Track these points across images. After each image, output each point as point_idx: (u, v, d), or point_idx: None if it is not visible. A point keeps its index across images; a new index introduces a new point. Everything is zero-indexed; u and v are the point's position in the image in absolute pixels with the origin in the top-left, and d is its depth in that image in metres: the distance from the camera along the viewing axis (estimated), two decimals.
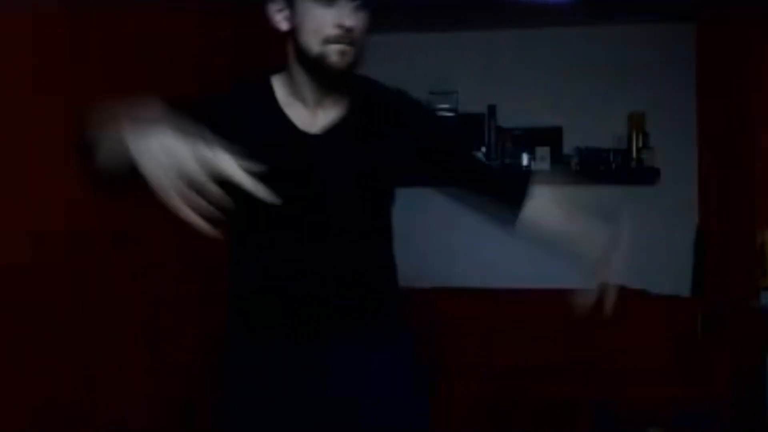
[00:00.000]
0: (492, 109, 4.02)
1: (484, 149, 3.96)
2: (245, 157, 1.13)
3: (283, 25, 1.44)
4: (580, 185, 4.06)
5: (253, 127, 1.46)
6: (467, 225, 4.06)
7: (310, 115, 1.48)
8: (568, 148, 4.00)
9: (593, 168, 3.93)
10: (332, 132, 1.48)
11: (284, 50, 1.51)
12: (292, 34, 1.43)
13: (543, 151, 3.96)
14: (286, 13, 1.43)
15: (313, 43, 1.39)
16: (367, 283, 1.53)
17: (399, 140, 1.52)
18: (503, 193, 1.61)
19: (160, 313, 2.97)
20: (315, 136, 1.48)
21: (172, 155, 1.07)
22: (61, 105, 2.19)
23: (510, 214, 1.60)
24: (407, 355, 1.58)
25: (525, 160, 3.98)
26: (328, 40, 1.38)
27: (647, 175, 3.92)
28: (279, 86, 1.50)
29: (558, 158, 3.97)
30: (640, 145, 3.91)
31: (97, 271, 2.44)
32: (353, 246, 1.51)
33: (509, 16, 3.93)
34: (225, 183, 1.10)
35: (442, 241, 4.03)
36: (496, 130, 4.01)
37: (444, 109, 3.99)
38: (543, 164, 3.95)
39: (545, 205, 1.58)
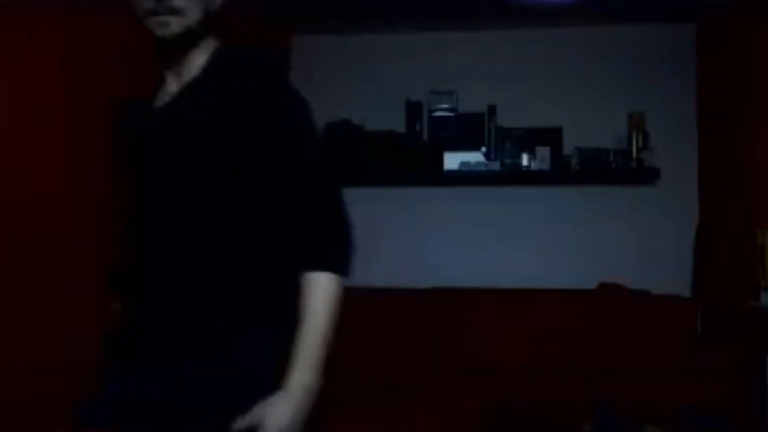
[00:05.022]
0: (492, 109, 4.02)
1: (484, 149, 3.96)
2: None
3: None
4: (580, 185, 4.10)
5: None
6: (468, 225, 4.08)
7: (168, 90, 1.45)
8: (568, 148, 4.00)
9: (593, 168, 3.93)
10: (171, 103, 1.43)
11: None
12: None
13: (543, 151, 3.95)
14: None
15: (142, 19, 1.36)
16: (198, 273, 1.38)
17: (218, 106, 1.36)
18: (299, 237, 1.38)
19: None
20: (156, 109, 1.46)
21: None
22: None
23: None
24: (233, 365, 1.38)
25: (525, 160, 3.97)
26: (147, 13, 1.34)
27: (647, 175, 3.91)
28: None
29: (558, 158, 3.96)
30: (640, 145, 3.90)
31: None
32: (184, 225, 1.39)
33: (510, 16, 3.93)
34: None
35: (441, 242, 4.03)
36: (496, 130, 4.01)
37: (444, 108, 3.99)
38: (543, 164, 3.95)
39: (316, 295, 1.36)
